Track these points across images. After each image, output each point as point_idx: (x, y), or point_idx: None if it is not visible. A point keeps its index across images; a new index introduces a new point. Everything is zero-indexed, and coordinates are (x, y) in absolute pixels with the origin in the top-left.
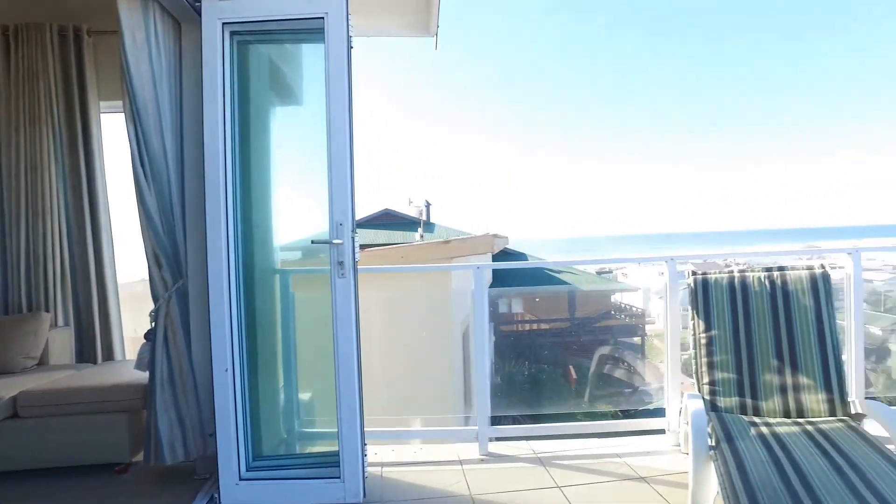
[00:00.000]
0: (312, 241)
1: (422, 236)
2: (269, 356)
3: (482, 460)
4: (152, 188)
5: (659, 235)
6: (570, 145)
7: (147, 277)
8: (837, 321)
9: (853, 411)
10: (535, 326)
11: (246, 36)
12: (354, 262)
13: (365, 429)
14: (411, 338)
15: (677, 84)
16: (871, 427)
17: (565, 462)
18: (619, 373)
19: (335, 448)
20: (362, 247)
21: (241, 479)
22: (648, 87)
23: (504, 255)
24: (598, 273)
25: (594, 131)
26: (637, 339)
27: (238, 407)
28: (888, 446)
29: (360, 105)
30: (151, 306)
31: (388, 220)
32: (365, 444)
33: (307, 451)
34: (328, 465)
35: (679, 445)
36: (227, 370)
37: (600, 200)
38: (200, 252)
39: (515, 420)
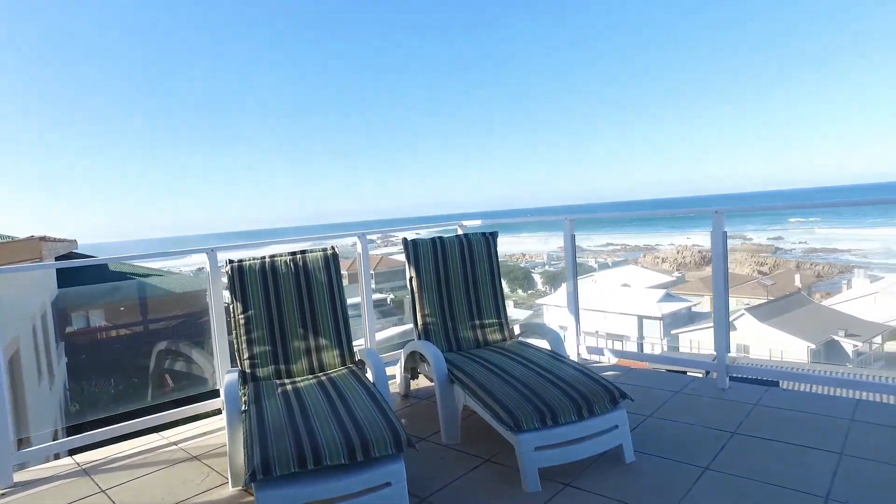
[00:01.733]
0: None
1: None
2: None
3: (3, 495)
4: None
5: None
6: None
7: None
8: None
9: (356, 360)
10: (120, 332)
11: None
12: None
13: None
14: None
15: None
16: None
17: (115, 465)
18: (178, 365)
19: None
20: None
21: None
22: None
23: (71, 259)
24: (198, 272)
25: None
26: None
27: None
28: (369, 378)
29: None
30: None
31: None
32: None
33: None
34: None
35: None
36: None
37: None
38: None
39: (55, 435)
